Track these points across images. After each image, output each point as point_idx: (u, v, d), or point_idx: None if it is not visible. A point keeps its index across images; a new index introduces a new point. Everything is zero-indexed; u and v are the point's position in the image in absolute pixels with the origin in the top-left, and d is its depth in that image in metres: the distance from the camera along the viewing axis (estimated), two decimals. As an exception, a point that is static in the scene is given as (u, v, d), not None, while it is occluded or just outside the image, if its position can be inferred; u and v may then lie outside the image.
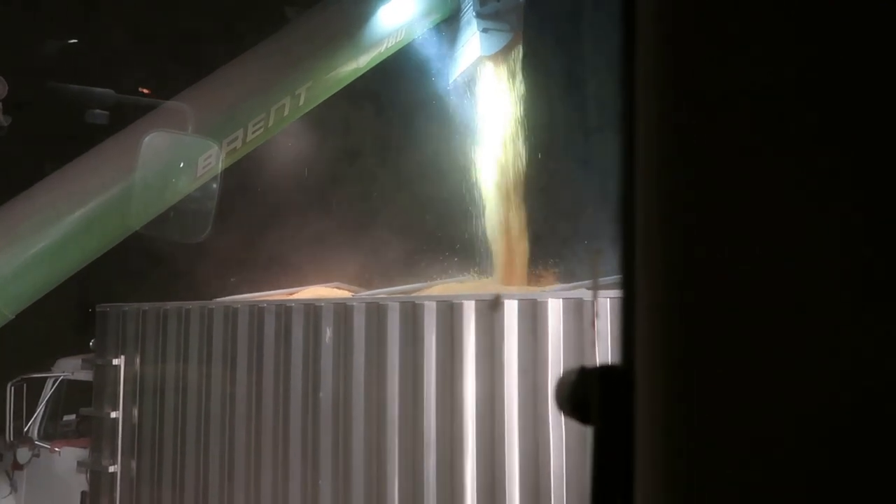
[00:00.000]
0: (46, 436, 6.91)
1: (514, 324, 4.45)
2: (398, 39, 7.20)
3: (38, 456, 6.88)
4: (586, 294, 4.39)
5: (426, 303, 4.77)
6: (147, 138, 5.82)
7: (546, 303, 4.40)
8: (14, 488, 7.01)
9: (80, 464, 6.40)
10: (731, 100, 0.61)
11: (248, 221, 8.13)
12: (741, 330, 0.59)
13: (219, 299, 6.06)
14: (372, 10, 6.94)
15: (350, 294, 6.21)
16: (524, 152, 7.38)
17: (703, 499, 0.61)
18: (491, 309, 4.45)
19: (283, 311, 5.34)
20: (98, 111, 6.48)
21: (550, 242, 7.27)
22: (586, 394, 0.72)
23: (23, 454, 6.89)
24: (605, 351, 4.04)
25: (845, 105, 0.59)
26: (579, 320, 4.32)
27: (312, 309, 5.20)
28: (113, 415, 6.09)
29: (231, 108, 6.45)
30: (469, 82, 7.60)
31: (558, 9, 7.90)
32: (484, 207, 7.47)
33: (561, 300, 4.39)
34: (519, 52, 7.44)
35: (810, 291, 0.58)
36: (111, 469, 6.09)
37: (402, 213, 8.27)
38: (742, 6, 0.62)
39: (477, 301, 4.61)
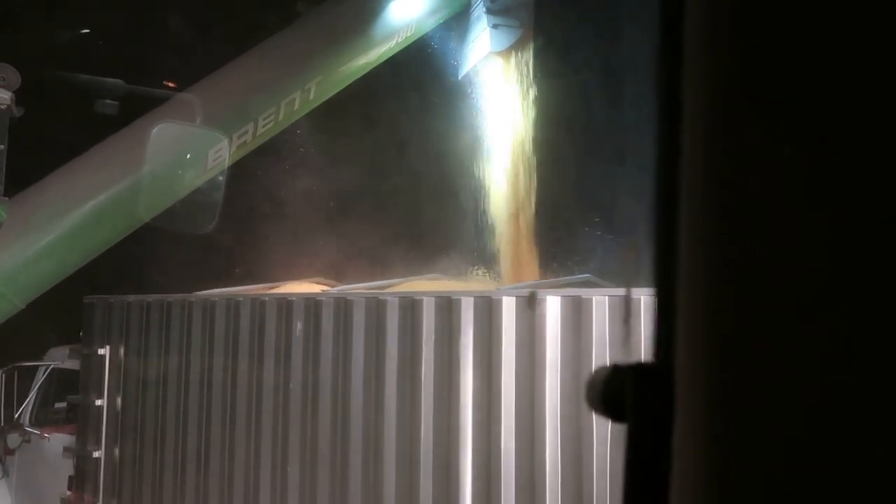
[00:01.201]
0: (38, 422, 7.15)
1: (510, 321, 4.53)
2: (408, 35, 7.21)
3: (28, 442, 7.17)
4: (585, 293, 4.43)
5: (389, 299, 4.96)
6: (157, 130, 5.85)
7: (544, 300, 4.45)
8: (5, 472, 7.31)
9: (66, 449, 6.66)
10: (789, 96, 0.60)
11: (246, 216, 8.14)
12: (787, 329, 0.59)
13: (198, 293, 6.18)
14: (382, 6, 6.96)
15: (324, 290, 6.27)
16: (534, 148, 7.39)
17: (746, 499, 0.60)
18: (528, 306, 4.44)
19: (258, 304, 5.54)
20: (108, 101, 6.50)
21: (560, 235, 7.28)
22: (619, 391, 0.71)
23: (13, 440, 7.17)
24: (637, 348, 4.03)
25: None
26: (579, 318, 4.38)
27: (284, 303, 5.41)
28: (98, 402, 6.31)
29: (241, 101, 6.48)
30: (479, 78, 7.61)
31: (568, 4, 7.89)
32: (492, 203, 7.48)
33: (559, 298, 4.44)
34: (529, 48, 7.45)
35: (858, 292, 0.57)
36: (95, 454, 6.31)
37: (409, 209, 8.29)
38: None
39: (437, 298, 4.78)
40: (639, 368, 0.70)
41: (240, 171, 6.41)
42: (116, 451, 6.29)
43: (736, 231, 0.61)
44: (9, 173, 5.36)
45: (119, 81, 6.73)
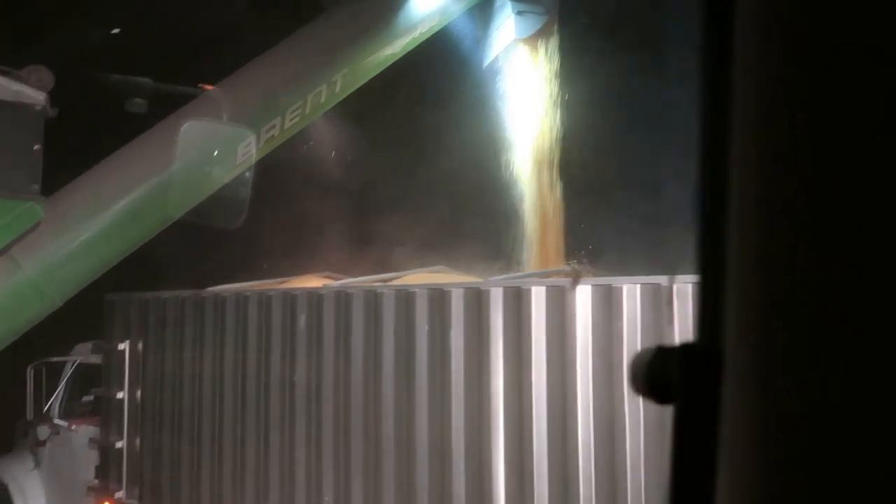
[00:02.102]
0: (65, 415, 7.60)
1: (500, 313, 4.61)
2: (433, 24, 7.19)
3: (57, 434, 7.60)
4: (616, 281, 4.42)
5: (385, 291, 5.16)
6: (186, 128, 5.92)
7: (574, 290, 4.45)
8: (37, 463, 7.73)
9: (91, 440, 7.01)
10: (845, 78, 0.60)
11: (275, 210, 8.22)
12: (835, 318, 0.59)
13: (210, 288, 6.41)
14: (407, -4, 6.95)
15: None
16: (560, 135, 7.35)
17: (796, 483, 0.60)
18: (571, 286, 4.47)
19: (265, 299, 5.79)
20: (138, 100, 6.60)
21: (591, 225, 7.24)
22: (664, 372, 0.71)
23: (42, 432, 7.61)
24: (680, 333, 4.04)
25: None
26: (563, 308, 4.43)
27: (289, 297, 5.64)
28: (119, 395, 6.63)
29: (269, 96, 6.53)
30: (504, 65, 7.58)
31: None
32: (520, 193, 7.46)
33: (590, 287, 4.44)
34: (554, 34, 7.39)
35: None
36: (118, 445, 6.63)
37: (430, 199, 8.30)
38: None
39: (429, 290, 4.92)
40: (687, 349, 0.70)
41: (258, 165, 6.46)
42: (137, 442, 6.60)
43: (789, 223, 0.61)
44: (45, 172, 5.49)
45: (147, 80, 6.84)
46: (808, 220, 0.60)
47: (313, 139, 8.30)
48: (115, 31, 9.23)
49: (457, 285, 4.91)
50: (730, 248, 0.64)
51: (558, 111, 7.34)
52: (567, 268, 5.89)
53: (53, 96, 5.61)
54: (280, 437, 5.59)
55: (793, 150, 0.61)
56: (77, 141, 6.98)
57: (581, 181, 7.38)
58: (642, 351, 0.74)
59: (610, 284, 4.38)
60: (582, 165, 7.32)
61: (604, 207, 6.95)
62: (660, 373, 0.72)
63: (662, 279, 4.32)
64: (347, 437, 5.20)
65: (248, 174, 6.20)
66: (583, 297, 4.36)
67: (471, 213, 7.94)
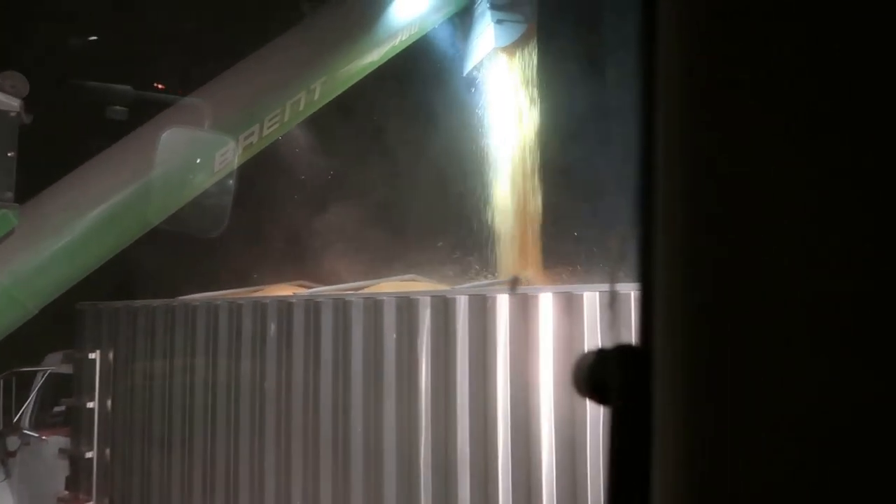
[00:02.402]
0: (36, 425, 7.51)
1: (467, 319, 4.69)
2: (412, 32, 7.21)
3: (28, 444, 7.51)
4: (576, 289, 4.50)
5: (354, 300, 5.23)
6: (165, 134, 5.90)
7: (537, 297, 4.53)
8: (7, 474, 7.65)
9: (61, 451, 6.96)
10: (758, 91, 0.62)
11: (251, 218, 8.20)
12: (760, 318, 0.61)
13: (181, 297, 6.42)
14: (387, 4, 6.96)
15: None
16: (539, 143, 7.38)
17: (724, 479, 0.62)
18: (510, 289, 4.60)
19: (235, 308, 5.84)
20: (118, 108, 6.58)
21: (568, 233, 7.27)
22: (605, 374, 0.73)
23: (12, 442, 7.52)
24: (620, 335, 4.06)
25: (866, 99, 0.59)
26: (526, 316, 4.50)
27: (259, 306, 5.70)
28: (90, 405, 6.62)
29: (248, 103, 6.51)
30: (483, 74, 7.61)
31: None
32: (495, 200, 7.48)
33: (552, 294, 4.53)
34: (533, 43, 7.43)
35: (824, 289, 0.60)
36: (88, 455, 6.62)
37: (407, 208, 8.31)
38: None
39: (397, 298, 5.00)
40: (622, 351, 0.72)
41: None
42: (108, 452, 6.61)
43: (711, 221, 0.63)
44: (19, 180, 5.44)
45: (128, 87, 6.81)
46: (728, 226, 0.63)
47: (290, 147, 8.29)
48: (93, 38, 9.18)
49: (424, 293, 4.97)
50: (657, 253, 0.66)
51: (537, 119, 7.37)
52: (526, 276, 5.98)
53: (28, 103, 5.57)
54: (250, 446, 5.64)
55: (710, 161, 0.64)
56: (53, 148, 6.92)
57: (561, 188, 7.40)
58: (585, 354, 0.76)
59: (571, 292, 4.45)
60: (561, 172, 7.35)
61: (584, 213, 6.98)
62: (600, 375, 0.74)
63: (616, 282, 4.37)
64: (316, 445, 5.26)
65: (227, 181, 6.17)
66: (545, 304, 4.44)
67: (448, 221, 7.95)
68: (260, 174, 7.40)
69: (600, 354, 0.75)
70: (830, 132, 0.60)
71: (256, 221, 8.21)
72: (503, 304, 4.55)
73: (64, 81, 7.40)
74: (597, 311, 4.36)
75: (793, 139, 0.61)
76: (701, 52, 0.64)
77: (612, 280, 4.40)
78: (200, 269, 7.61)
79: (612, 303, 4.26)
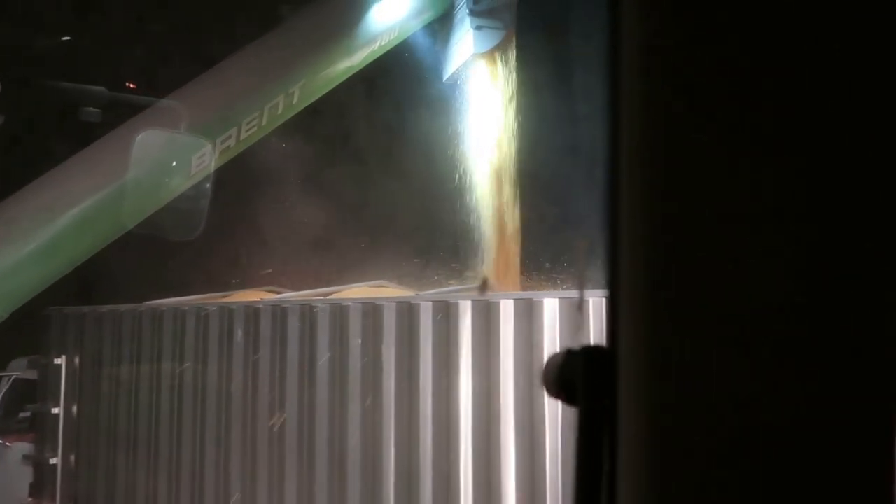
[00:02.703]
0: (1, 431, 7.50)
1: (429, 325, 4.83)
2: (392, 37, 7.20)
3: None
4: (537, 296, 4.62)
5: (320, 306, 5.34)
6: (140, 137, 5.81)
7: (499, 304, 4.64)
8: None
9: (25, 457, 6.93)
10: (716, 103, 0.64)
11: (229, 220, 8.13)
12: (716, 321, 0.64)
13: (148, 303, 6.43)
14: (366, 8, 6.94)
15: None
16: (517, 149, 7.40)
17: (688, 479, 0.64)
18: (479, 291, 4.78)
19: (202, 313, 5.88)
20: (91, 109, 6.48)
21: (546, 238, 7.30)
22: (572, 374, 0.75)
23: None
24: (593, 338, 4.16)
25: (829, 113, 0.62)
26: (488, 322, 4.62)
27: (226, 311, 5.75)
28: (55, 411, 6.58)
29: (225, 106, 6.44)
30: (462, 80, 7.62)
31: (551, 7, 7.91)
32: (474, 206, 7.49)
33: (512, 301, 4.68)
34: (512, 49, 7.46)
35: (780, 293, 0.62)
36: (52, 461, 6.58)
37: (391, 212, 8.29)
38: (725, 7, 0.65)
39: (363, 304, 5.14)
40: (589, 352, 0.74)
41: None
42: (73, 458, 6.57)
43: (668, 227, 0.66)
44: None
45: (102, 89, 6.71)
46: (689, 230, 0.65)
47: (265, 150, 8.22)
48: (66, 38, 9.05)
49: (388, 299, 5.10)
50: (623, 256, 0.69)
51: (514, 124, 7.40)
52: (493, 280, 6.12)
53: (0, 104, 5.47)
54: (216, 451, 5.67)
55: (671, 167, 0.66)
56: (26, 149, 6.81)
57: (539, 192, 7.43)
58: (553, 355, 0.78)
59: (531, 298, 4.58)
60: (535, 177, 7.38)
61: (556, 218, 7.01)
62: (568, 375, 0.75)
63: (584, 288, 4.53)
64: (282, 449, 5.32)
65: (204, 185, 6.10)
66: (506, 310, 4.57)
67: (421, 226, 7.94)
68: (233, 178, 7.33)
69: (568, 355, 0.76)
70: (787, 142, 0.63)
71: (229, 226, 8.13)
72: (466, 309, 4.67)
73: (29, 82, 7.28)
74: (557, 317, 4.48)
75: (752, 148, 0.64)
76: (661, 62, 0.66)
77: (581, 285, 4.48)
78: (167, 274, 7.55)
79: (581, 306, 4.34)
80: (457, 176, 7.63)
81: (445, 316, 4.72)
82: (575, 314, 4.42)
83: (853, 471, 0.62)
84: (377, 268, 6.99)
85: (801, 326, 0.62)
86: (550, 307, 4.49)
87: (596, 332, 4.34)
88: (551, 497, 4.37)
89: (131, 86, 7.81)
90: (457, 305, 4.71)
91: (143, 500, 6.05)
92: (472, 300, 4.72)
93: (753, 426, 0.63)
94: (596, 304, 4.34)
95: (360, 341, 5.02)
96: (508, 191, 7.43)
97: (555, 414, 4.41)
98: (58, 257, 5.87)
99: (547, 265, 6.82)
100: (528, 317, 4.53)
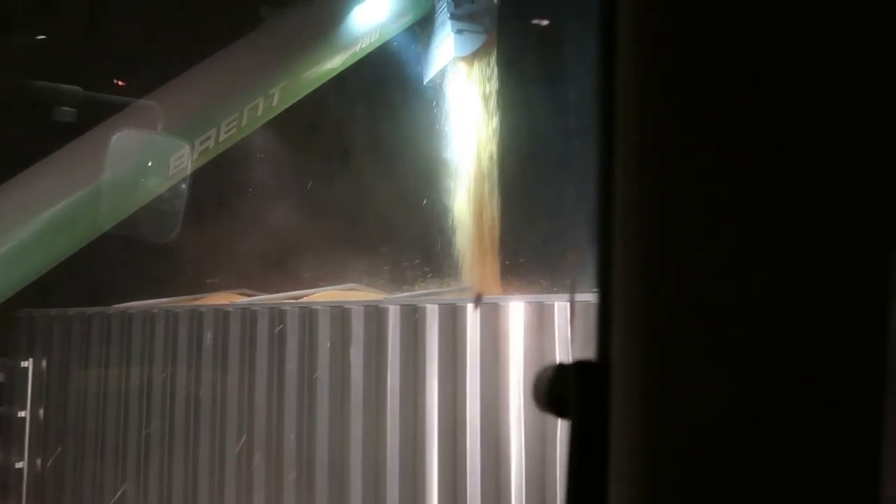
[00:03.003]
0: None
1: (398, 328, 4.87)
2: (373, 40, 7.18)
3: None
4: (550, 298, 4.59)
5: (289, 309, 5.40)
6: (117, 137, 5.74)
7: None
8: None
9: None
10: (714, 110, 0.64)
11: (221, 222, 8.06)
12: (709, 332, 0.64)
13: (117, 305, 6.39)
14: (347, 11, 6.92)
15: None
16: (498, 154, 7.42)
17: (676, 490, 0.64)
18: (474, 305, 4.68)
19: (171, 316, 5.91)
20: (66, 109, 6.40)
21: (525, 244, 7.31)
22: (564, 388, 0.74)
23: None
24: (575, 350, 4.22)
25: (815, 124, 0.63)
26: (454, 326, 4.67)
27: (196, 315, 5.77)
28: (21, 414, 6.55)
29: (204, 107, 6.39)
30: (443, 83, 7.62)
31: (533, 11, 7.94)
32: (456, 211, 7.49)
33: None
34: (493, 53, 7.47)
35: (779, 296, 0.62)
36: (18, 465, 6.55)
37: (369, 216, 8.26)
38: (726, 17, 0.64)
39: (332, 307, 5.16)
40: (580, 366, 0.74)
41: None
42: (39, 462, 6.54)
43: (665, 237, 0.66)
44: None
45: (77, 88, 6.62)
46: (681, 242, 0.65)
47: (241, 151, 8.14)
48: (41, 37, 8.92)
49: (357, 303, 5.14)
50: (614, 268, 0.68)
51: (497, 128, 7.42)
52: (465, 286, 6.19)
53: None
54: (184, 455, 5.67)
55: (665, 178, 0.66)
56: (-1, 149, 6.70)
57: (517, 200, 7.44)
58: (544, 367, 0.78)
59: (497, 303, 4.62)
60: (518, 185, 7.39)
61: (541, 223, 7.02)
62: (558, 389, 0.75)
63: (563, 297, 4.57)
64: (250, 454, 5.35)
65: (181, 186, 6.04)
66: (474, 314, 4.62)
67: (402, 230, 7.92)
68: (208, 179, 7.26)
69: (559, 369, 0.76)
70: (776, 155, 0.63)
71: (202, 228, 8.05)
72: (433, 314, 4.71)
73: (9, 81, 7.17)
74: (522, 321, 4.51)
75: (747, 152, 0.64)
76: (656, 73, 0.66)
77: (572, 295, 4.50)
78: (128, 277, 7.47)
79: (572, 317, 4.36)
80: (435, 179, 7.62)
81: (413, 319, 4.78)
82: (545, 320, 4.47)
83: (845, 474, 0.62)
84: (352, 271, 6.98)
85: (798, 333, 0.62)
86: (517, 311, 4.53)
87: (562, 338, 4.42)
88: (516, 502, 4.42)
89: (119, 83, 7.70)
90: (424, 309, 4.75)
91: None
92: (440, 304, 4.77)
93: (750, 441, 0.63)
94: (561, 309, 4.42)
95: (328, 344, 5.07)
96: (489, 196, 7.43)
97: (518, 421, 4.46)
98: (32, 259, 5.77)
99: (528, 273, 6.84)
100: (495, 321, 4.57)
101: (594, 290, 0.71)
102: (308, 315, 5.19)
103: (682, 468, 0.64)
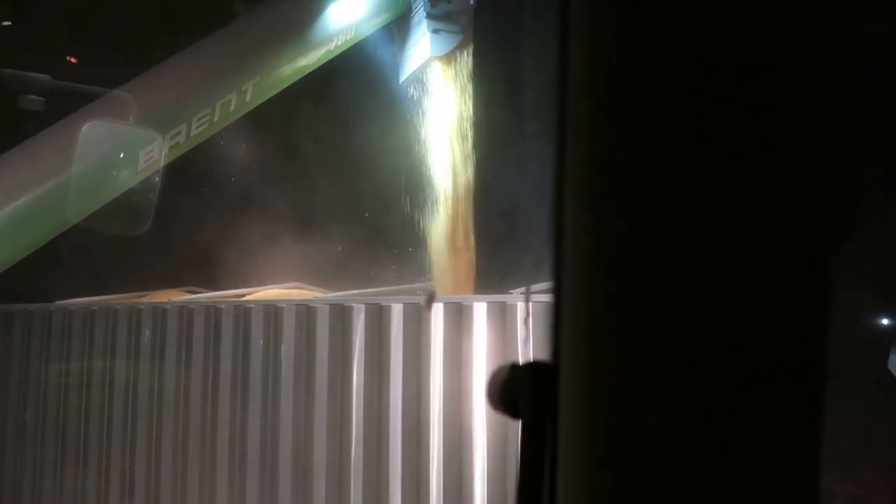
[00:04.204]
0: None
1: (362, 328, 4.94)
2: (348, 38, 7.15)
3: None
4: (511, 298, 4.66)
5: (224, 307, 5.52)
6: (86, 128, 5.64)
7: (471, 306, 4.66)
8: None
9: None
10: (656, 110, 0.65)
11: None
12: (654, 332, 0.64)
13: (59, 302, 6.43)
14: (322, 8, 6.88)
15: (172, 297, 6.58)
16: (472, 153, 7.43)
17: (621, 487, 0.65)
18: (426, 306, 4.76)
19: (111, 313, 6.01)
20: (33, 97, 6.28)
21: (490, 245, 7.34)
22: (516, 390, 0.75)
23: None
24: (533, 350, 4.29)
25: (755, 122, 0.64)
26: (419, 324, 4.76)
27: (134, 311, 5.89)
28: None
29: (175, 101, 6.30)
30: (419, 82, 7.61)
31: (508, 11, 7.96)
32: (429, 210, 7.49)
33: (485, 303, 4.71)
34: (468, 53, 7.48)
35: (721, 290, 0.63)
36: None
37: (342, 214, 8.23)
38: (670, 18, 0.65)
39: (265, 306, 5.26)
40: (533, 368, 0.74)
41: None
42: None
43: (616, 236, 0.66)
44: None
45: (46, 76, 6.50)
46: (630, 241, 0.66)
47: (210, 148, 8.06)
48: (6, 23, 8.74)
49: (288, 301, 5.25)
50: (566, 270, 0.69)
51: (471, 127, 7.44)
52: (425, 284, 6.32)
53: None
54: (121, 450, 5.79)
55: (614, 179, 0.67)
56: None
57: (494, 197, 7.47)
58: (499, 368, 0.79)
59: (461, 302, 4.70)
60: (495, 183, 7.42)
61: (514, 222, 7.05)
62: (512, 390, 0.76)
63: (518, 297, 4.64)
64: (185, 448, 5.48)
65: (153, 180, 5.96)
66: (437, 314, 4.71)
67: (372, 228, 7.91)
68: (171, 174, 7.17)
69: (512, 370, 0.77)
70: (730, 154, 0.64)
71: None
72: (359, 313, 4.84)
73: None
74: (441, 319, 4.63)
75: (698, 160, 0.64)
76: (606, 74, 0.67)
77: (527, 295, 4.53)
78: (84, 272, 7.38)
79: (527, 318, 4.39)
80: (409, 178, 7.62)
81: (340, 318, 4.92)
82: (506, 320, 4.50)
83: (793, 470, 0.63)
84: (311, 270, 7.01)
85: (749, 333, 0.63)
86: (437, 311, 4.67)
87: (523, 339, 4.47)
88: (434, 496, 4.55)
89: (73, 60, 7.59)
90: (351, 309, 4.90)
91: (50, 499, 6.10)
92: (366, 304, 4.89)
93: (700, 442, 0.63)
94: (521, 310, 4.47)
95: (261, 342, 5.22)
96: (462, 194, 7.45)
97: (438, 418, 4.59)
98: (-3, 252, 5.66)
99: (492, 275, 6.87)
100: (417, 319, 4.71)
101: (552, 292, 0.72)
102: (242, 313, 5.34)
103: (631, 470, 0.64)
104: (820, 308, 0.63)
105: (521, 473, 0.74)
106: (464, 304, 4.64)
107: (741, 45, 0.64)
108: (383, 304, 4.84)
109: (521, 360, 0.77)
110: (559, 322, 0.70)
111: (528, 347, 4.31)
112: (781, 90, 0.63)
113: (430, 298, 4.76)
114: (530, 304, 4.44)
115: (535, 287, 4.36)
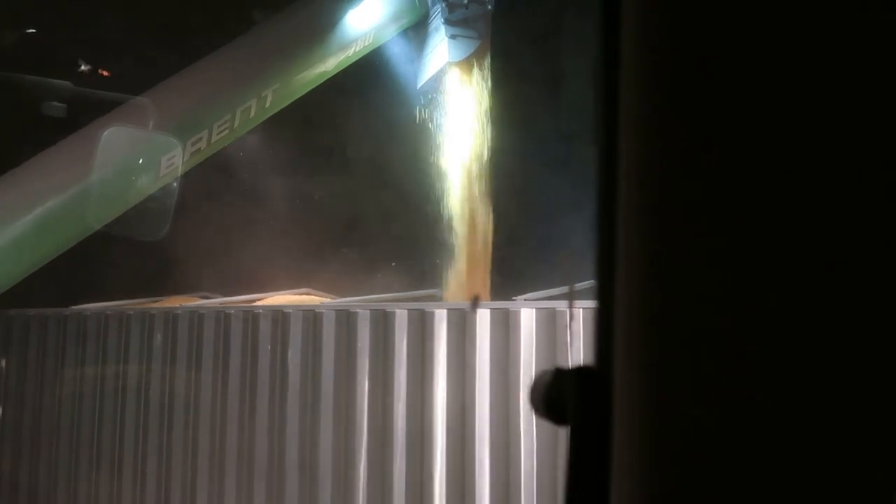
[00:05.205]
0: None
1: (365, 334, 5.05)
2: (366, 44, 7.17)
3: None
4: (560, 304, 4.65)
5: (233, 312, 5.64)
6: (108, 136, 5.70)
7: (517, 311, 4.65)
8: None
9: None
10: (718, 112, 0.64)
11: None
12: (710, 336, 0.63)
13: (74, 307, 6.54)
14: (341, 14, 6.90)
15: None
16: (491, 158, 7.43)
17: (678, 493, 0.64)
18: (471, 309, 4.79)
19: (124, 318, 6.11)
20: (55, 103, 6.35)
21: (522, 248, 7.32)
22: (561, 395, 0.74)
23: None
24: (577, 354, 4.27)
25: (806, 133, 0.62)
26: (423, 329, 4.85)
27: (147, 316, 6.00)
28: None
29: (197, 107, 6.35)
30: (436, 88, 7.62)
31: (526, 17, 7.96)
32: (449, 215, 7.50)
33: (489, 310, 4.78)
34: (486, 58, 7.49)
35: (769, 304, 0.62)
36: None
37: (362, 222, 8.25)
38: (727, 18, 0.64)
39: (273, 311, 5.37)
40: (581, 372, 0.73)
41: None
42: None
43: (667, 242, 0.65)
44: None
45: (67, 83, 6.57)
46: (685, 245, 0.65)
47: (230, 153, 8.11)
48: (31, 31, 8.84)
49: (295, 307, 5.37)
50: (618, 276, 0.68)
51: (489, 132, 7.44)
52: (434, 291, 6.35)
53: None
54: (133, 453, 5.88)
55: (664, 191, 0.66)
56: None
57: (511, 202, 7.46)
58: (541, 373, 0.77)
59: (422, 309, 4.84)
60: (512, 186, 7.41)
61: (532, 228, 7.04)
62: (556, 395, 0.74)
63: (573, 300, 4.58)
64: (195, 449, 5.57)
65: (173, 186, 6.01)
66: (401, 319, 4.86)
67: (392, 233, 7.92)
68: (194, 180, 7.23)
69: (557, 374, 0.75)
70: (781, 160, 0.63)
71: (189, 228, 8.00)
72: (365, 318, 4.93)
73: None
74: (445, 327, 4.71)
75: (746, 165, 0.64)
76: (661, 77, 0.66)
77: (571, 301, 4.48)
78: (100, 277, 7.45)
79: (571, 322, 4.36)
80: (428, 183, 7.62)
81: (346, 324, 5.03)
82: (505, 326, 4.54)
83: (850, 476, 0.62)
84: (325, 277, 7.05)
85: (801, 336, 0.62)
86: (440, 317, 4.74)
87: (564, 343, 4.46)
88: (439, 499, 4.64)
89: (104, 73, 7.65)
90: (356, 315, 5.01)
91: (64, 500, 6.19)
92: (371, 310, 4.99)
93: (752, 445, 0.62)
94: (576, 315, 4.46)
95: (269, 347, 5.33)
96: (481, 199, 7.45)
97: (442, 424, 4.64)
98: (20, 259, 5.72)
99: (521, 278, 6.85)
100: (421, 325, 4.78)
101: (595, 297, 0.71)
102: (251, 318, 5.47)
103: (682, 475, 0.64)
104: (874, 310, 0.62)
105: (569, 478, 0.73)
106: (511, 309, 4.65)
107: (807, 50, 0.63)
108: (387, 310, 4.93)
109: (563, 365, 0.76)
110: (608, 327, 0.69)
111: (572, 352, 4.33)
112: (848, 96, 0.62)
113: (475, 302, 4.77)
114: (575, 309, 4.45)
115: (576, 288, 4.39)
